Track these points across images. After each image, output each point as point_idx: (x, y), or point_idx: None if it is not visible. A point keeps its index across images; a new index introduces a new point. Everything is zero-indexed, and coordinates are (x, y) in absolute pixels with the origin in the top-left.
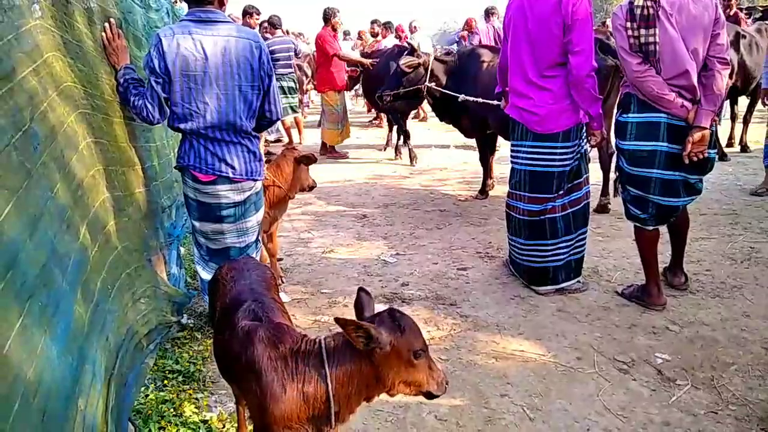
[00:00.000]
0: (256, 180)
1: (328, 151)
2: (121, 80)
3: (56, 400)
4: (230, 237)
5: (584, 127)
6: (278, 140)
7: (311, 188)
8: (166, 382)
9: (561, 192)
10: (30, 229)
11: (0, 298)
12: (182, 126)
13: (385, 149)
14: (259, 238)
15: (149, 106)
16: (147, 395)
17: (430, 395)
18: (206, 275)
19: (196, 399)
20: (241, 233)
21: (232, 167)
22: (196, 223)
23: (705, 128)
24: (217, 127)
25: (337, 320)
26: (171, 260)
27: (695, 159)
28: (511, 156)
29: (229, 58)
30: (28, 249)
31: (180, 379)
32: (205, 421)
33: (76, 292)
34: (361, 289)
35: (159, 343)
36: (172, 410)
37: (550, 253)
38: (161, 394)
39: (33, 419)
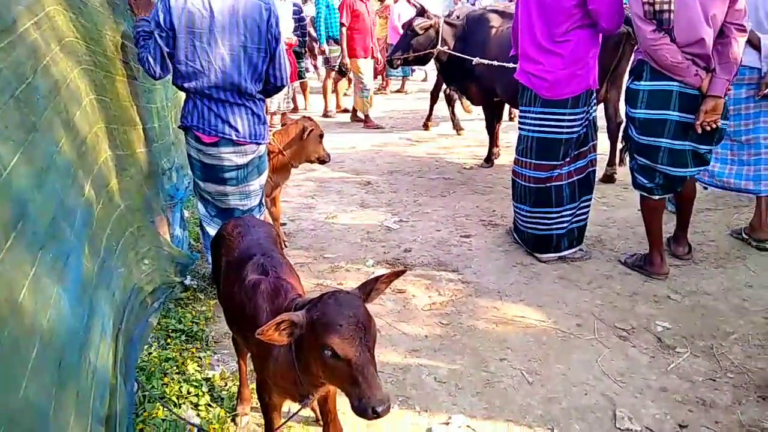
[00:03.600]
0: (259, 143)
1: (362, 119)
2: (134, 32)
3: (70, 350)
4: (233, 199)
5: (594, 94)
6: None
7: (323, 161)
8: (169, 340)
9: (567, 159)
10: (38, 181)
11: (12, 248)
12: (186, 85)
13: (427, 127)
14: (263, 201)
15: (151, 59)
16: (150, 353)
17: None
18: (212, 230)
19: (199, 357)
20: (243, 196)
21: (236, 129)
22: (200, 183)
23: (719, 97)
24: (221, 87)
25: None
26: (174, 222)
27: (708, 129)
28: (519, 122)
29: (236, 18)
30: (37, 201)
31: (183, 338)
32: (207, 379)
33: (83, 247)
34: None
35: (163, 303)
36: (175, 368)
37: (554, 220)
38: (164, 352)
39: (50, 366)
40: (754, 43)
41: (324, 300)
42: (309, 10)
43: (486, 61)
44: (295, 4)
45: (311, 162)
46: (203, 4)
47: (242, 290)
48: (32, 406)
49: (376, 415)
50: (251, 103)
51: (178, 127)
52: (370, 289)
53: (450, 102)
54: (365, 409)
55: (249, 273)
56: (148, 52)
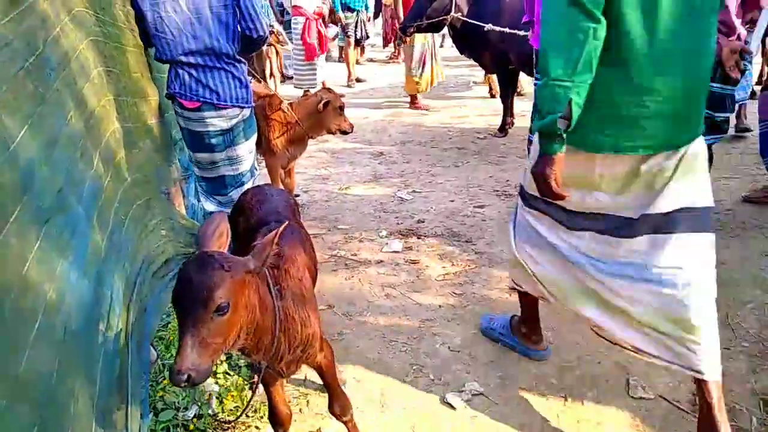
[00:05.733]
0: (242, 107)
1: (411, 102)
2: None
3: (77, 319)
4: (222, 165)
5: None
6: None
7: (344, 132)
8: None
9: None
10: (45, 154)
11: (18, 220)
12: (163, 57)
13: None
14: (255, 166)
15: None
16: (169, 323)
17: None
18: (209, 206)
19: None
20: (232, 161)
21: (216, 93)
22: (192, 154)
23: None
24: (196, 52)
25: None
26: (189, 193)
27: (737, 75)
28: (535, 89)
29: None
30: (44, 174)
31: None
32: None
33: (92, 219)
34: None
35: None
36: None
37: None
38: None
39: (55, 335)
40: None
41: (191, 256)
42: None
43: (498, 28)
44: None
45: (332, 133)
46: None
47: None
48: (35, 376)
49: (171, 381)
50: (231, 67)
51: (165, 96)
52: (267, 254)
53: None
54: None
55: (260, 238)
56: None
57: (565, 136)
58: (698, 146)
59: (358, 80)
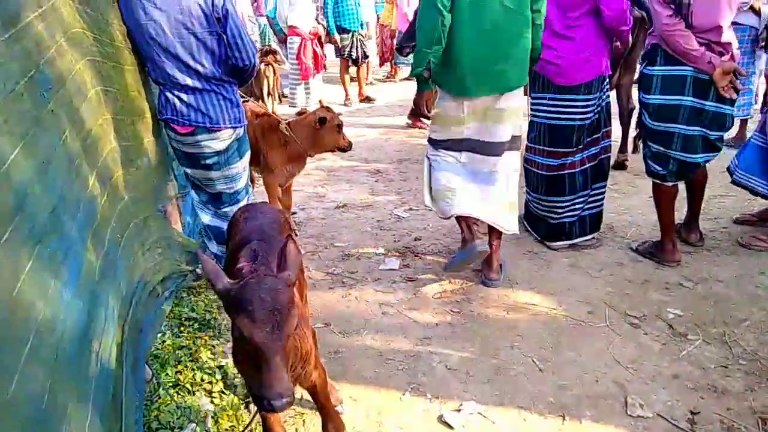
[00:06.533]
0: (235, 127)
1: (413, 117)
2: None
3: (69, 341)
4: (219, 184)
5: (606, 79)
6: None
7: (344, 150)
8: (182, 329)
9: (580, 146)
10: (38, 175)
11: (9, 241)
12: (152, 76)
13: None
14: (249, 184)
15: None
16: (164, 341)
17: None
18: (205, 218)
19: (212, 345)
20: (228, 180)
21: (209, 116)
22: (188, 171)
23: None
24: (184, 75)
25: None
26: (186, 210)
27: (732, 96)
28: (531, 109)
29: (180, 6)
30: (37, 195)
31: (196, 326)
32: (220, 367)
33: (86, 240)
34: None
35: (174, 292)
36: (188, 355)
37: (567, 209)
38: (178, 340)
39: (46, 357)
40: (754, 9)
41: (248, 278)
42: None
43: None
44: None
45: (331, 151)
46: None
47: (232, 276)
48: (26, 397)
49: (271, 408)
50: (221, 88)
51: (160, 119)
52: (299, 266)
53: None
54: (261, 400)
55: (240, 259)
56: None
57: (430, 80)
58: (515, 100)
59: (368, 99)
